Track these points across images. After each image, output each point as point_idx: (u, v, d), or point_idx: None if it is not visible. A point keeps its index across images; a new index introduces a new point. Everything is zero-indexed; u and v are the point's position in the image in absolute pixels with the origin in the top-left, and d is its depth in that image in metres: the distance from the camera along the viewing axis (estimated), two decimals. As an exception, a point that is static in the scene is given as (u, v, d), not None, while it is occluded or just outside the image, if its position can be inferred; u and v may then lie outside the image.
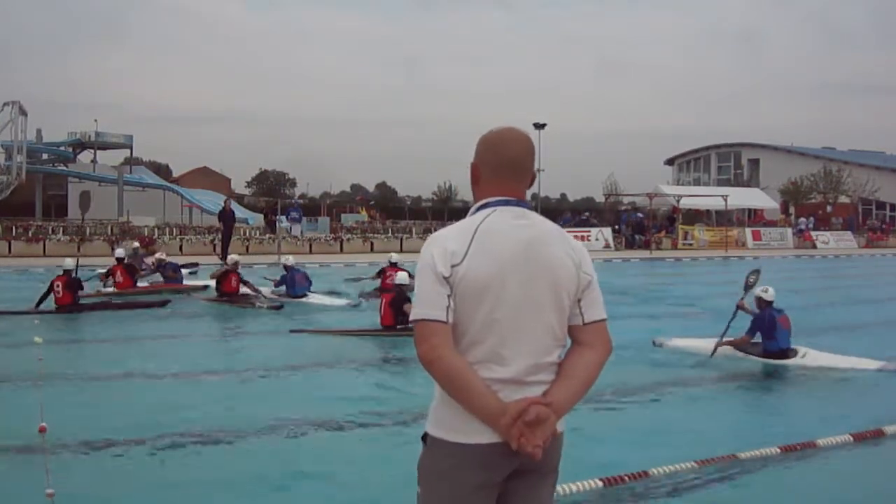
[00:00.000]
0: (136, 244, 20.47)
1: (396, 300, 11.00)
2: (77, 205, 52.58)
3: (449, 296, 2.26)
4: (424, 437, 2.37)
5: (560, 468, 2.44)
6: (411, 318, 2.32)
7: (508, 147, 2.43)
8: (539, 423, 2.20)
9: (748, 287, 9.49)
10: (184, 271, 17.79)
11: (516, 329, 2.29)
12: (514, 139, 2.44)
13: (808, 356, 9.02)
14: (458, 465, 2.28)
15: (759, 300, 9.15)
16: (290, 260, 15.79)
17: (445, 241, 2.32)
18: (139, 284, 16.25)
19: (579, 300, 2.38)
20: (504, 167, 2.42)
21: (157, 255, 17.99)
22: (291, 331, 11.34)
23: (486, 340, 2.28)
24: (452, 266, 2.27)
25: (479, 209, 2.40)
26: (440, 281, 2.27)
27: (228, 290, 14.76)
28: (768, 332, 8.98)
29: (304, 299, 14.84)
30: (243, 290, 14.90)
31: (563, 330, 2.37)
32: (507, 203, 2.38)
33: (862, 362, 8.90)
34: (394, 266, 15.66)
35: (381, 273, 16.03)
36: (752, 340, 9.11)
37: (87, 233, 30.01)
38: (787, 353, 9.00)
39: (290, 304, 14.32)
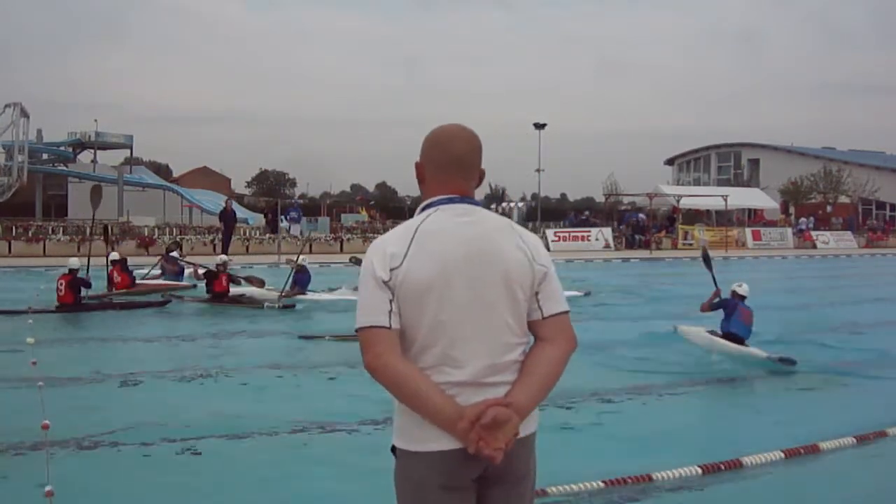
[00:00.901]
0: (175, 252, 19.90)
1: None
2: (77, 204, 52.68)
3: (391, 300, 2.21)
4: (393, 448, 2.32)
5: (537, 472, 2.37)
6: (355, 326, 2.24)
7: (453, 144, 2.36)
8: (497, 425, 2.12)
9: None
10: (187, 270, 17.70)
11: (467, 330, 2.22)
12: (459, 136, 2.38)
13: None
14: (421, 475, 2.22)
15: (734, 293, 9.97)
16: (306, 260, 15.88)
17: (385, 244, 2.27)
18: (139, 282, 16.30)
19: (536, 294, 2.29)
20: (449, 165, 2.35)
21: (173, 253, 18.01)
22: (301, 336, 11.09)
23: (437, 344, 2.22)
24: (391, 269, 2.21)
25: (423, 209, 2.35)
26: (380, 286, 2.21)
27: (220, 289, 14.73)
28: (728, 316, 9.81)
29: (304, 296, 14.96)
30: (234, 289, 14.92)
31: (521, 327, 2.29)
32: (450, 201, 2.31)
33: (753, 352, 9.58)
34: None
35: None
36: (714, 302, 9.99)
37: (88, 232, 30.00)
38: (738, 340, 9.75)
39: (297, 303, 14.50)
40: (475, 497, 2.26)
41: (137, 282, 16.13)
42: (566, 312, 2.34)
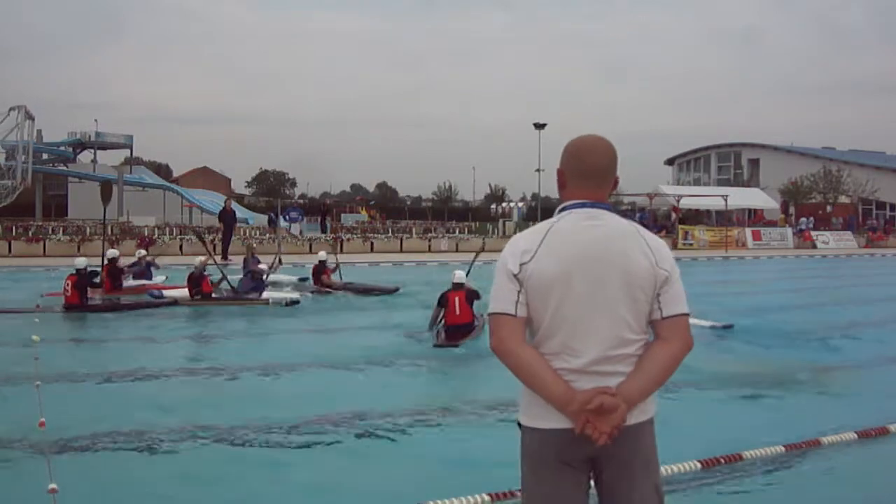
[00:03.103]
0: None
1: (469, 297, 10.56)
2: (78, 204, 52.66)
3: (519, 291, 2.45)
4: (518, 424, 2.57)
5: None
6: (487, 311, 2.52)
7: (590, 155, 2.59)
8: (604, 411, 2.35)
9: None
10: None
11: (586, 323, 2.44)
12: (597, 147, 2.61)
13: None
14: (538, 448, 2.49)
15: None
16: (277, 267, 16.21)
17: (519, 241, 2.53)
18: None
19: (658, 295, 2.50)
20: (586, 173, 2.58)
21: (140, 253, 17.76)
22: (435, 345, 10.19)
23: (558, 333, 2.46)
24: (521, 264, 2.46)
25: (559, 212, 2.59)
26: (510, 278, 2.47)
27: (207, 289, 14.66)
28: None
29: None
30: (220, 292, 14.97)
31: (640, 324, 2.49)
32: (582, 205, 2.54)
33: (697, 322, 10.37)
34: (322, 263, 16.79)
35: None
36: None
37: (88, 232, 30.01)
38: None
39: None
40: (588, 475, 2.51)
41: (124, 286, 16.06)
42: (685, 315, 2.54)
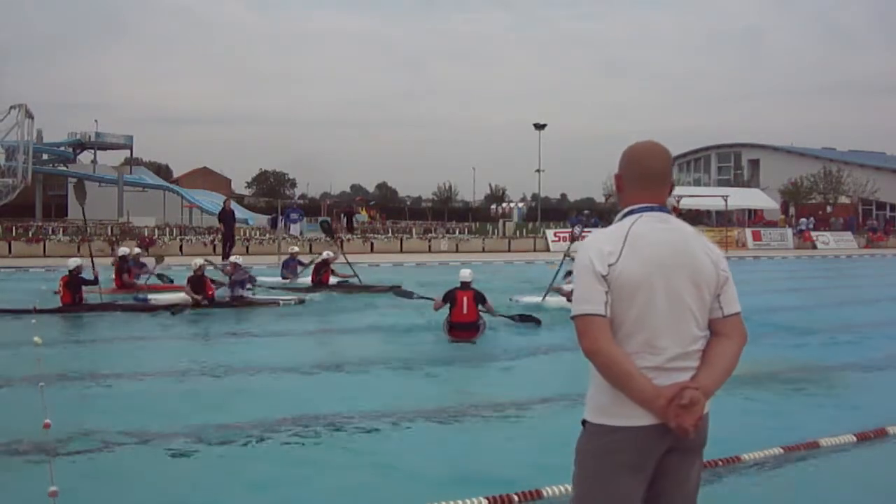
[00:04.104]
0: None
1: (476, 298, 11.05)
2: (78, 204, 52.64)
3: (607, 292, 2.52)
4: (583, 422, 2.63)
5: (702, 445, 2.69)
6: (573, 314, 2.55)
7: (649, 161, 2.70)
8: (693, 405, 2.48)
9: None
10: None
11: (666, 322, 2.55)
12: (654, 153, 2.72)
13: None
14: (615, 447, 2.54)
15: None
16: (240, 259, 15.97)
17: (601, 243, 2.58)
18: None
19: (718, 295, 2.65)
20: (645, 178, 2.69)
21: (134, 251, 17.74)
22: (452, 341, 10.77)
23: (641, 333, 2.54)
24: (609, 265, 2.52)
25: (625, 215, 2.67)
26: (599, 279, 2.52)
27: (210, 291, 14.63)
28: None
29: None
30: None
31: (704, 322, 2.64)
32: (651, 209, 2.65)
33: None
34: (325, 262, 17.32)
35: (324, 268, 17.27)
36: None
37: (88, 232, 30.00)
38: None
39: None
40: (650, 474, 2.59)
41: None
42: (740, 313, 2.70)
